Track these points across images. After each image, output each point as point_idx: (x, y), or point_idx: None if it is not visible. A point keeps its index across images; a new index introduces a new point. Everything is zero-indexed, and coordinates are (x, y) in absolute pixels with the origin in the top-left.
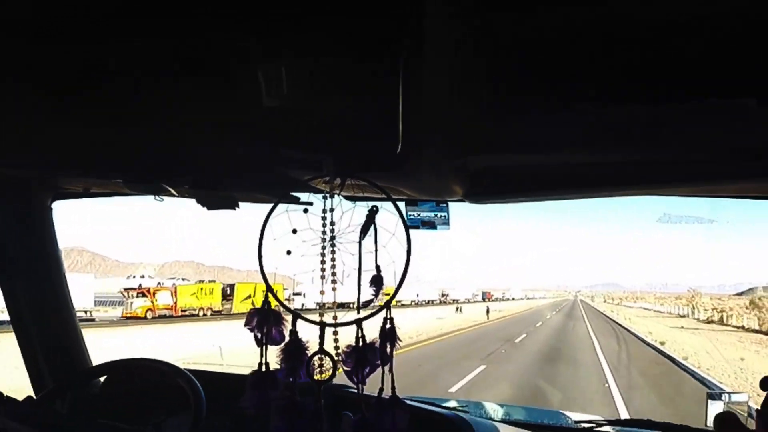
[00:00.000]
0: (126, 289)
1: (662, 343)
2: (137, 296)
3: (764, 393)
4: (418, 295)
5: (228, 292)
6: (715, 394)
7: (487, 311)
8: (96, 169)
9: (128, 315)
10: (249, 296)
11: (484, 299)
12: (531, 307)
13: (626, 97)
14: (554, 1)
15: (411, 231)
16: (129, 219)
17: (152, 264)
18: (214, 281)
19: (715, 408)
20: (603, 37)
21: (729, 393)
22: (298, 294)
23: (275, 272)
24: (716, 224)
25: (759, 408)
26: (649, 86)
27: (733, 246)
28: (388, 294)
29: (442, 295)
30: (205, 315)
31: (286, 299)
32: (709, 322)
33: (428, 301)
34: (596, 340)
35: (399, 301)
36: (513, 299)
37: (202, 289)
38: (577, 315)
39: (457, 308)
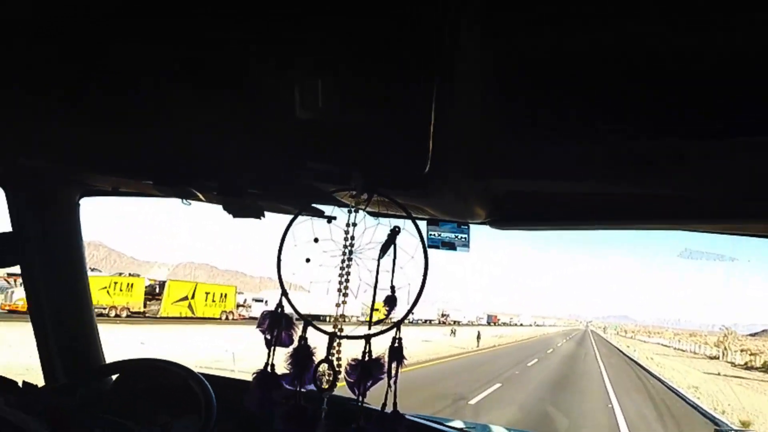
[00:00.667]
0: (10, 275)
1: (723, 413)
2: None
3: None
4: (413, 314)
5: (157, 290)
6: (722, 430)
7: (478, 337)
8: (126, 169)
9: (9, 308)
10: (185, 297)
11: (489, 323)
12: (535, 335)
13: (654, 129)
14: (584, 28)
15: (430, 251)
16: (149, 217)
17: (167, 264)
18: (137, 275)
19: None
20: (632, 68)
21: (737, 430)
22: (259, 301)
23: (291, 279)
24: (737, 262)
25: None
26: (677, 120)
27: (750, 285)
28: (377, 310)
29: (442, 316)
30: (118, 316)
31: (240, 304)
32: (748, 367)
33: (425, 321)
34: (617, 401)
35: (348, 316)
36: (521, 325)
37: (117, 283)
38: (588, 351)
39: (452, 331)
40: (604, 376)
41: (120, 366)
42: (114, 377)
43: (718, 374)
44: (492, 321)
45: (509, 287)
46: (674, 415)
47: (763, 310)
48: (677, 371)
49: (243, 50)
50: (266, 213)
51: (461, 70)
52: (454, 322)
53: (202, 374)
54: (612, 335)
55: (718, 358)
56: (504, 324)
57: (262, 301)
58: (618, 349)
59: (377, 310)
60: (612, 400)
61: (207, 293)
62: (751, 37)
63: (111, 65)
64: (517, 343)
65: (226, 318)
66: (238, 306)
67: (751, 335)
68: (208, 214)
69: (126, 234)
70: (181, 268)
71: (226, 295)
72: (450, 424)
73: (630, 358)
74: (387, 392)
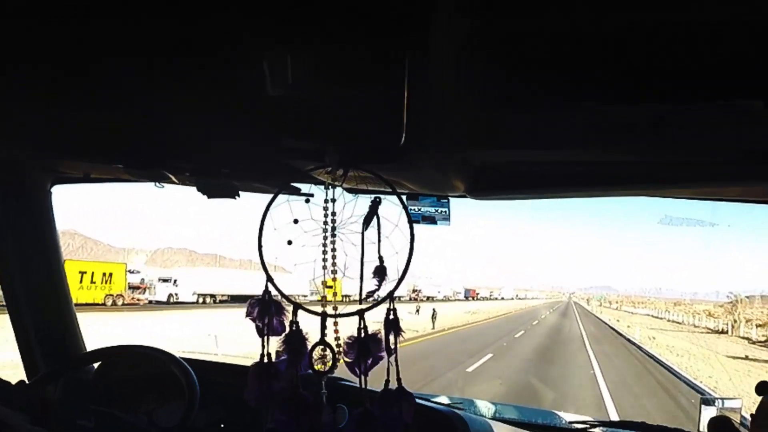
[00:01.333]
0: None
1: None
2: None
3: (759, 400)
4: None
5: None
6: (709, 399)
7: (433, 316)
8: (96, 154)
9: None
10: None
11: (467, 297)
12: (513, 310)
13: (630, 96)
14: (560, 9)
15: (415, 230)
16: (123, 203)
17: (145, 250)
18: None
19: (709, 413)
20: (607, 38)
21: (722, 399)
22: (166, 281)
23: (275, 262)
24: (717, 228)
25: (753, 413)
26: (654, 87)
27: (731, 252)
28: (330, 287)
29: (413, 291)
30: None
31: (136, 285)
32: None
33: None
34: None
35: (347, 296)
36: (502, 298)
37: None
38: (572, 328)
39: (416, 309)
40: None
41: (101, 353)
42: (95, 366)
43: (746, 359)
44: (470, 295)
45: (492, 261)
46: None
47: (745, 275)
48: (694, 357)
49: (210, 28)
50: (241, 193)
51: (435, 42)
52: (427, 298)
53: (185, 359)
54: (595, 306)
55: (726, 332)
56: (484, 298)
57: (169, 281)
58: (610, 327)
59: (330, 287)
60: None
61: (82, 273)
62: (724, 4)
63: (76, 47)
64: (488, 321)
65: (113, 303)
66: (134, 288)
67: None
68: (186, 198)
69: (102, 221)
70: (159, 253)
71: (111, 274)
72: (436, 399)
73: (630, 341)
74: (388, 367)
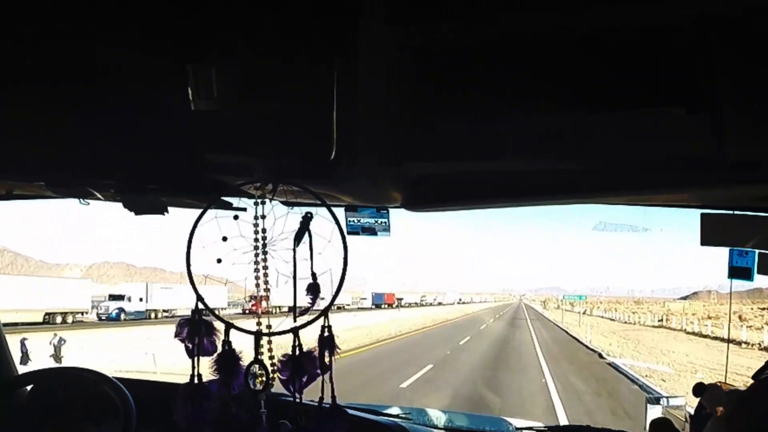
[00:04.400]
0: None
1: None
2: None
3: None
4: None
5: None
6: (653, 398)
7: None
8: (18, 171)
9: None
10: None
11: (377, 305)
12: (443, 320)
13: (557, 105)
14: (485, 19)
15: (351, 237)
16: (54, 217)
17: (79, 265)
18: None
19: (654, 413)
20: (533, 47)
21: (667, 397)
22: (119, 298)
23: (206, 279)
24: (650, 232)
25: (692, 414)
26: (580, 95)
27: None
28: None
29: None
30: None
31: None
32: None
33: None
34: None
35: (278, 307)
36: (440, 304)
37: None
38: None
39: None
40: None
41: (32, 377)
42: (28, 389)
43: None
44: (386, 302)
45: (437, 267)
46: None
47: (682, 274)
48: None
49: (131, 42)
50: (172, 208)
51: (363, 54)
52: (338, 307)
53: (120, 378)
54: (554, 312)
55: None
56: (410, 305)
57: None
58: (579, 342)
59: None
60: None
61: None
62: (649, 12)
63: None
64: (379, 346)
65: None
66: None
67: (682, 298)
68: (121, 210)
69: (31, 237)
70: (95, 268)
71: None
72: (386, 411)
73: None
74: (323, 384)
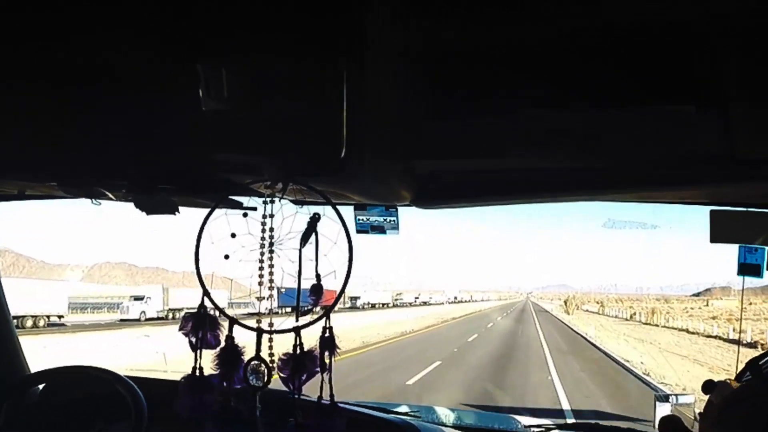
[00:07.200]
0: None
1: None
2: None
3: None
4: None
5: None
6: (662, 396)
7: None
8: (31, 171)
9: None
10: None
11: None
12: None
13: (567, 102)
14: (493, 18)
15: (360, 236)
16: (56, 218)
17: (81, 266)
18: None
19: (663, 410)
20: (542, 45)
21: (676, 395)
22: (139, 299)
23: (213, 276)
24: (659, 229)
25: (701, 411)
26: (589, 93)
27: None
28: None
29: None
30: None
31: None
32: None
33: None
34: None
35: (176, 310)
36: (424, 303)
37: None
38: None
39: None
40: None
41: (44, 376)
42: (40, 388)
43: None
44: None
45: (439, 264)
46: None
47: (692, 271)
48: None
49: (141, 43)
50: (181, 208)
51: (371, 52)
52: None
53: (131, 377)
54: (559, 311)
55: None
56: (372, 306)
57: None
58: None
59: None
60: None
61: None
62: (656, 9)
63: (6, 66)
64: None
65: None
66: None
67: (694, 295)
68: (124, 211)
69: (34, 237)
70: (97, 269)
71: None
72: (395, 409)
73: None
74: (321, 383)
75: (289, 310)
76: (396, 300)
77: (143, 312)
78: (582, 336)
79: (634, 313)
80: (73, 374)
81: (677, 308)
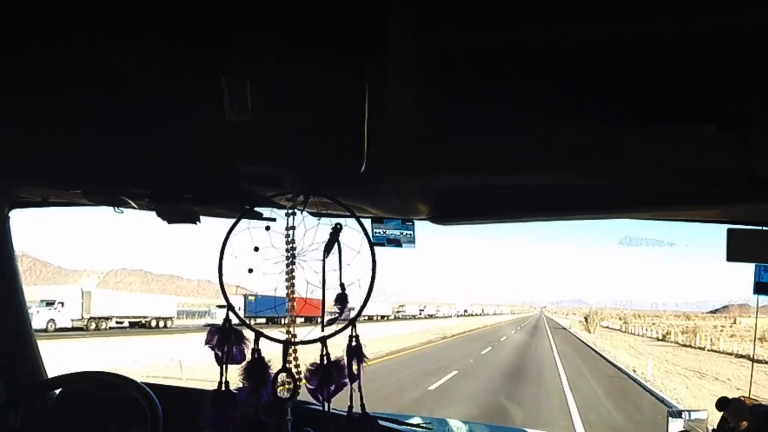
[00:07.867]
0: None
1: None
2: None
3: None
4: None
5: None
6: (675, 412)
7: None
8: (55, 179)
9: None
10: None
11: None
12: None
13: (584, 120)
14: (513, 24)
15: (376, 248)
16: (74, 223)
17: (97, 271)
18: None
19: (675, 426)
20: (563, 62)
21: (689, 411)
22: (50, 304)
23: (237, 288)
24: (676, 247)
25: (714, 428)
26: (608, 111)
27: (693, 266)
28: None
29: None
30: None
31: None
32: None
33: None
34: None
35: (100, 319)
36: (430, 317)
37: None
38: None
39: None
40: None
41: (61, 380)
42: (57, 392)
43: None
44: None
45: (453, 277)
46: None
47: (708, 288)
48: None
49: (168, 54)
50: (202, 218)
51: (393, 68)
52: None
53: (148, 384)
54: (578, 328)
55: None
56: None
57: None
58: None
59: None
60: None
61: None
62: (680, 27)
63: (34, 74)
64: None
65: None
66: None
67: (710, 312)
68: (142, 218)
69: (51, 242)
70: (112, 275)
71: None
72: (408, 420)
73: None
74: (351, 393)
75: (263, 320)
76: (398, 312)
77: (52, 320)
78: (624, 371)
79: (668, 333)
80: (90, 379)
81: (704, 326)
